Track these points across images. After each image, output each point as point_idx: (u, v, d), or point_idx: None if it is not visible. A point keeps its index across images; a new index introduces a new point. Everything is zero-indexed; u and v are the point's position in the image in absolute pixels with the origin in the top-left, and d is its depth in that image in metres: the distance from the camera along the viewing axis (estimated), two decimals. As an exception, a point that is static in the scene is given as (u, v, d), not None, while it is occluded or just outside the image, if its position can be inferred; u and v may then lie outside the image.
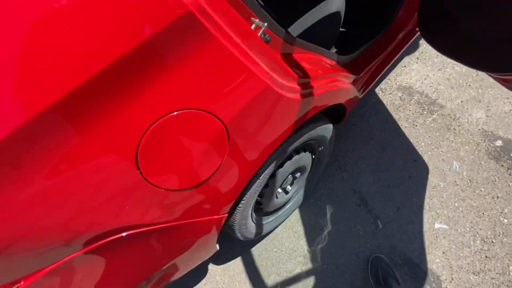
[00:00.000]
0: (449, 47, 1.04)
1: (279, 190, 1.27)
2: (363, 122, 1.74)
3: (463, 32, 0.92)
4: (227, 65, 0.57)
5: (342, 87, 1.01)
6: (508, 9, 0.77)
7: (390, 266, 1.32)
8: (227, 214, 0.88)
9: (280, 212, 1.46)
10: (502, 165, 1.39)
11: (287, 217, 1.56)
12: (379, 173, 1.56)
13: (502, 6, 0.79)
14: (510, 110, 1.50)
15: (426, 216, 1.40)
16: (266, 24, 0.65)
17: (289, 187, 1.33)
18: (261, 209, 1.29)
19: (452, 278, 1.26)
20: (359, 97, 1.34)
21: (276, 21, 0.74)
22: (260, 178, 0.95)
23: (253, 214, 1.23)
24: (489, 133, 1.48)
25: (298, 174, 1.31)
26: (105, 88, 0.47)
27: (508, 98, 1.53)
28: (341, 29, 1.55)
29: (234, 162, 0.72)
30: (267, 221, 1.38)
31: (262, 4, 0.70)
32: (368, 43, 1.31)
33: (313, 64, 0.93)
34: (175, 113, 0.56)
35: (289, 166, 1.15)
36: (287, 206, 1.48)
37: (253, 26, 0.66)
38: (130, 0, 0.44)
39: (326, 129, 1.18)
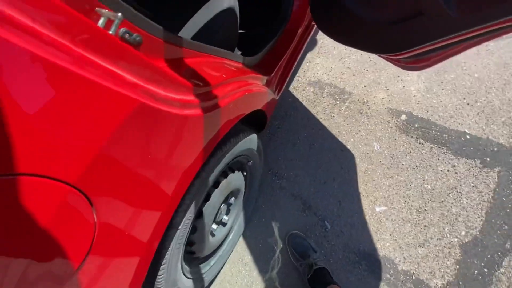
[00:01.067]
0: (340, 33, 1.04)
1: (214, 226, 1.04)
2: (285, 123, 1.67)
3: (351, 17, 0.91)
4: (55, 84, 0.33)
5: (257, 91, 0.86)
6: None
7: (303, 237, 1.31)
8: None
9: (223, 247, 1.22)
10: (412, 136, 1.51)
11: (232, 250, 1.33)
12: (313, 171, 1.50)
13: None
14: (403, 86, 1.65)
15: (366, 202, 1.39)
16: (120, 14, 0.43)
17: (225, 217, 1.12)
18: (196, 257, 1.03)
19: (404, 258, 1.26)
20: (276, 98, 1.24)
21: (154, 19, 0.53)
22: (179, 228, 0.70)
23: (186, 268, 0.96)
24: (394, 110, 1.60)
25: (232, 200, 1.11)
26: None
27: (399, 76, 1.69)
28: (240, 31, 1.44)
29: (117, 234, 0.46)
30: (209, 266, 1.13)
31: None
32: (270, 42, 1.22)
33: (215, 69, 0.75)
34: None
35: (218, 195, 0.94)
36: (230, 238, 1.26)
37: (100, 21, 0.43)
38: None
39: (251, 141, 1.02)
